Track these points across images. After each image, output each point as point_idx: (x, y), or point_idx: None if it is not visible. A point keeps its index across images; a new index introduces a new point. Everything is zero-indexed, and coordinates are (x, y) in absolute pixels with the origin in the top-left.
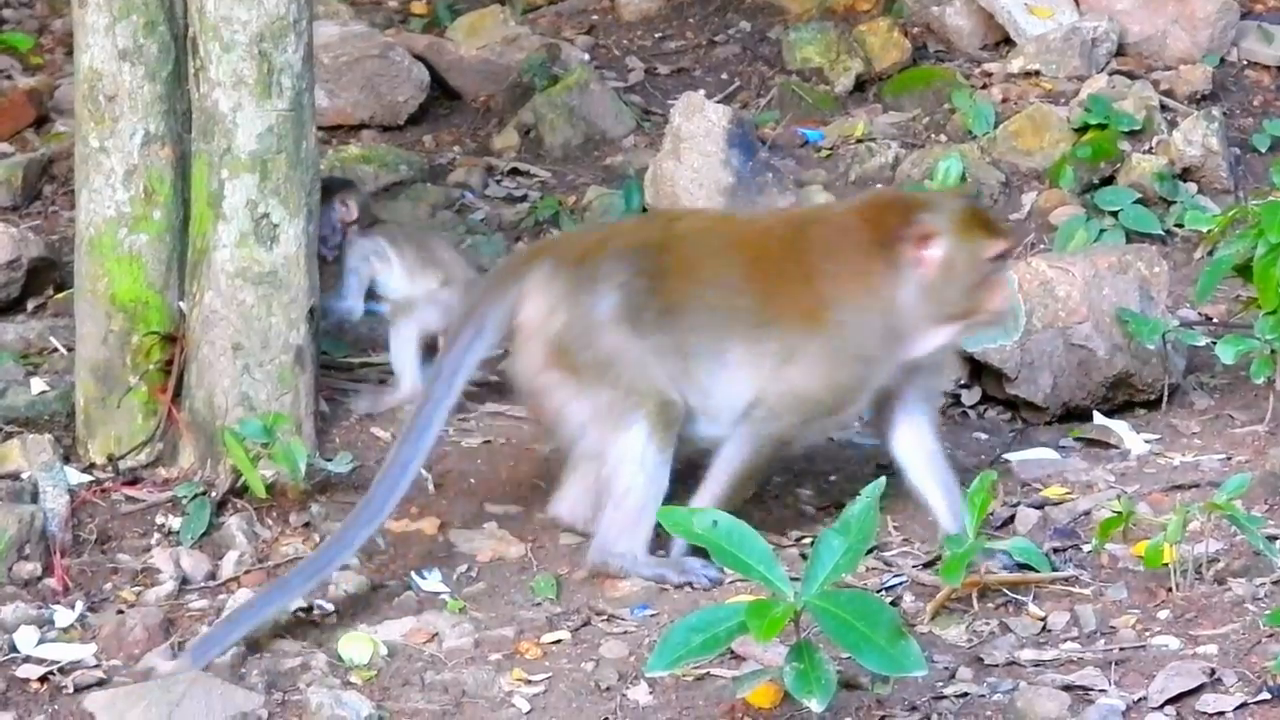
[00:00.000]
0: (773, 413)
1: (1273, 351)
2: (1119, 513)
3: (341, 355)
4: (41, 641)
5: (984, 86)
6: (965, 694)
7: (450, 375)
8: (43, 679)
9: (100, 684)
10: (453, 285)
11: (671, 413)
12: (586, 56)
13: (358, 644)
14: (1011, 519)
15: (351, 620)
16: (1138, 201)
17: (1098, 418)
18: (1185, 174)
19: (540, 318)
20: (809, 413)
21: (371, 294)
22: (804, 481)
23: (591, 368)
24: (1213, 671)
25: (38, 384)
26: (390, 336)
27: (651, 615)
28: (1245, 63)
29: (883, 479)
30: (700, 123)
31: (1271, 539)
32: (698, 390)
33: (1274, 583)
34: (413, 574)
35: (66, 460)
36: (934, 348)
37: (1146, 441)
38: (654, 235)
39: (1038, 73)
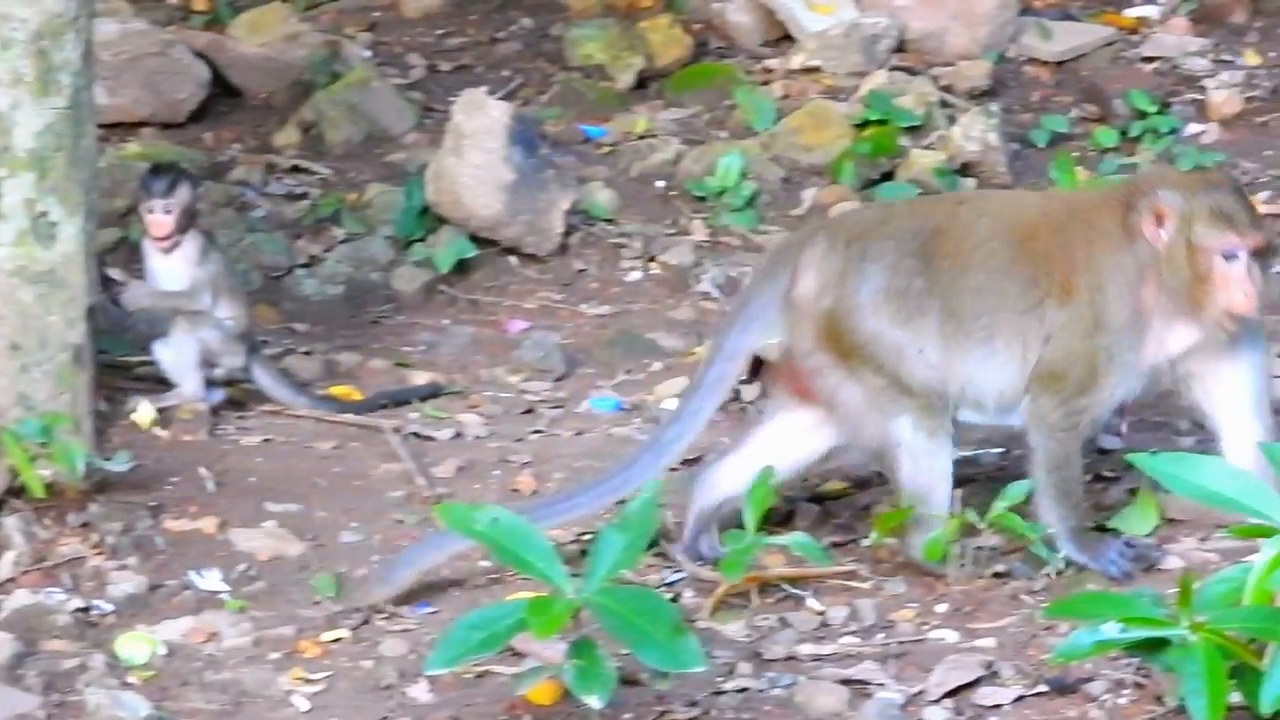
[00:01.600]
0: (1033, 397)
1: None
2: (898, 507)
3: (120, 354)
4: None
5: (765, 83)
6: (744, 689)
7: (726, 358)
8: None
9: None
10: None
11: (935, 402)
12: (368, 53)
13: (136, 644)
14: (791, 514)
15: (130, 620)
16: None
17: None
18: (965, 169)
19: (811, 296)
20: (1062, 392)
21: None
22: (584, 477)
23: (857, 351)
24: (990, 664)
25: None
26: (171, 341)
27: (432, 613)
28: (1024, 58)
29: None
30: (482, 120)
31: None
32: (962, 377)
33: (1050, 576)
34: (191, 573)
35: None
36: (1185, 346)
37: None
38: (930, 216)
39: (818, 69)
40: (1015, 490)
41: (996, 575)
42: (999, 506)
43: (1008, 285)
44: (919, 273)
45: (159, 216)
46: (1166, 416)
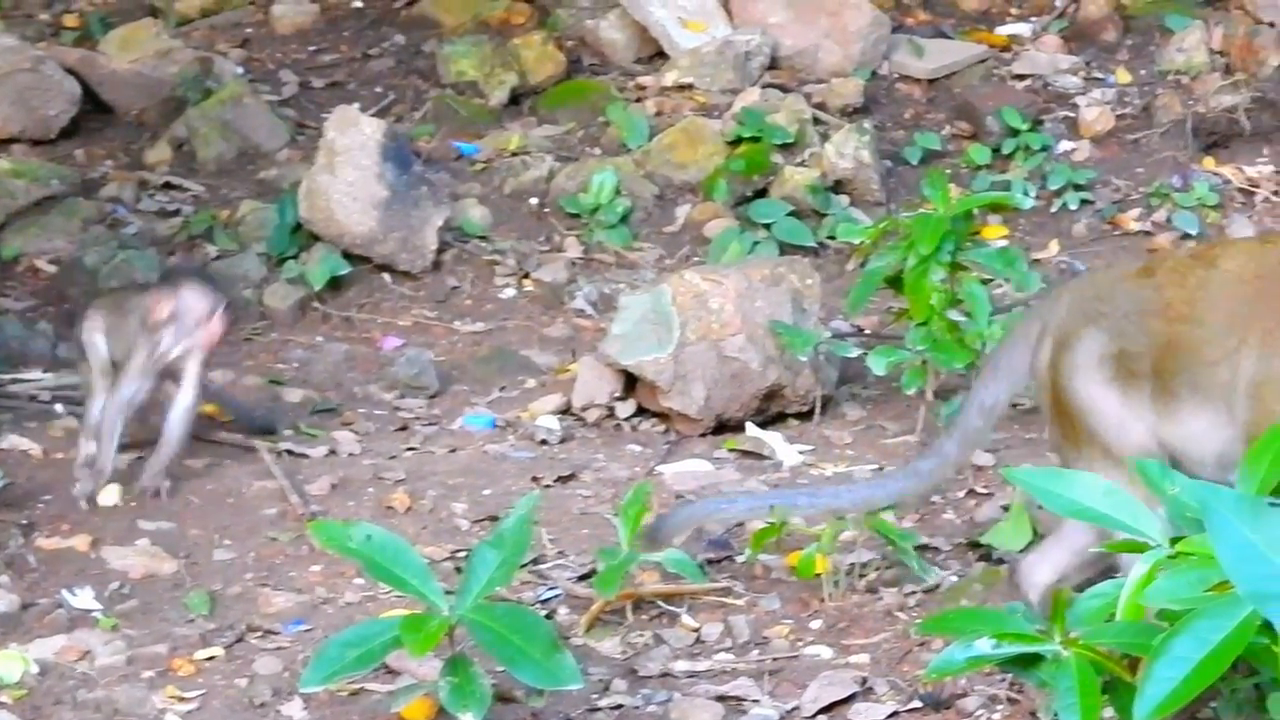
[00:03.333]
0: None
1: (924, 362)
2: (772, 523)
3: None
4: None
5: (639, 100)
6: (620, 705)
7: (983, 410)
8: None
9: None
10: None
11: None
12: (241, 70)
13: (8, 662)
14: None
15: (2, 639)
16: (791, 214)
17: (751, 429)
18: (838, 186)
19: (1045, 361)
20: None
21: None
22: (459, 495)
23: (1077, 419)
24: (864, 680)
25: None
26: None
27: (306, 630)
28: (897, 76)
29: (537, 492)
30: (354, 136)
31: (922, 549)
32: (1182, 435)
33: (924, 591)
34: (64, 591)
35: None
36: None
37: (800, 452)
38: (1157, 275)
39: (692, 86)
40: None
41: (871, 591)
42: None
43: (1228, 341)
44: (1144, 331)
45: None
46: (1038, 432)
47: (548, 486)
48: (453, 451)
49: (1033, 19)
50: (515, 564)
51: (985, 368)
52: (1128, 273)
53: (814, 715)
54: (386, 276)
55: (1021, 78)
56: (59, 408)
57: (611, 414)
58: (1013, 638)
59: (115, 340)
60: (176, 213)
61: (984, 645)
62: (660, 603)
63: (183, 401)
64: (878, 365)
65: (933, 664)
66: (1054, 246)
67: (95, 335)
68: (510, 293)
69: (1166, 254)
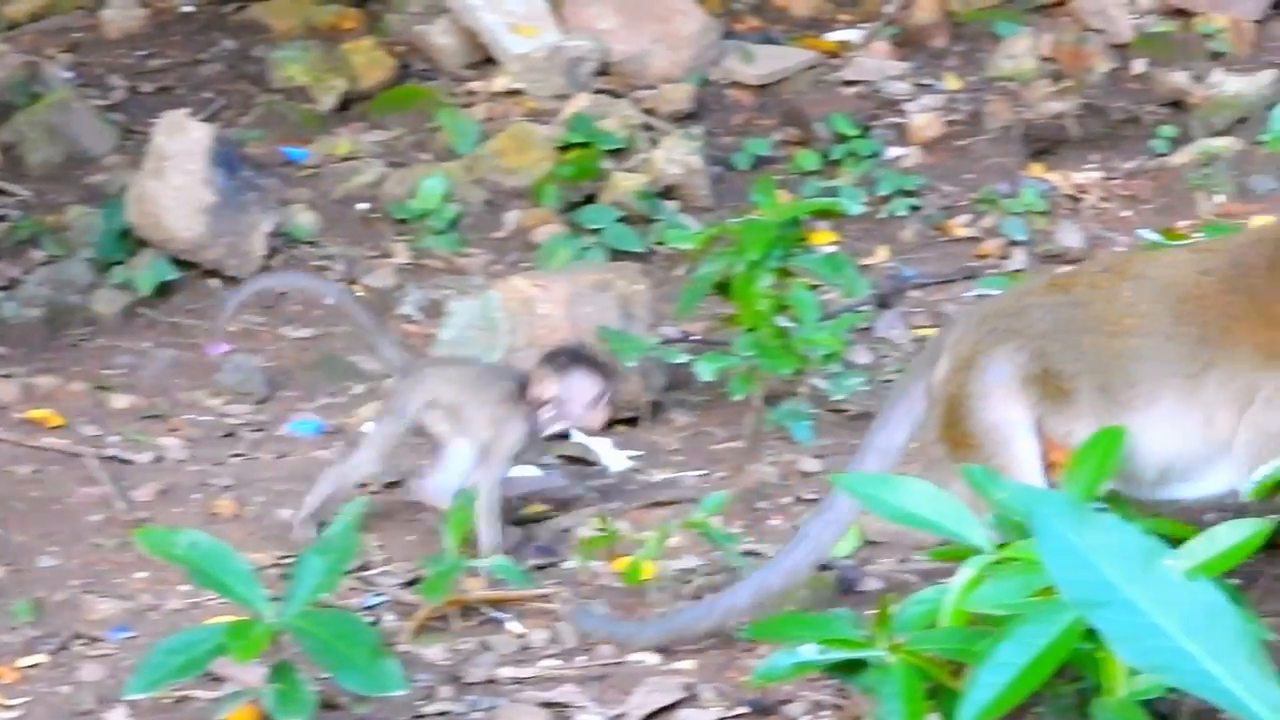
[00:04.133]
0: (1244, 464)
1: (752, 368)
2: (600, 530)
3: None
4: None
5: (468, 105)
6: (445, 712)
7: (880, 453)
8: None
9: None
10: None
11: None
12: (69, 74)
13: None
14: None
15: None
16: (620, 219)
17: (579, 435)
18: (667, 192)
19: (940, 382)
20: None
21: None
22: (286, 501)
23: (969, 441)
24: (690, 686)
25: None
26: None
27: (131, 637)
28: (727, 82)
29: (363, 499)
30: (183, 141)
31: (749, 555)
32: (1126, 450)
33: None
34: None
35: None
36: None
37: (629, 458)
38: (1074, 289)
39: (522, 91)
40: (712, 501)
41: (697, 597)
42: (697, 515)
43: (1169, 349)
44: (1067, 350)
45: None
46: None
47: (375, 493)
48: (280, 458)
49: (863, 25)
50: (341, 570)
51: (883, 409)
52: (1034, 291)
53: None
54: (214, 282)
55: (851, 84)
56: None
57: None
58: (838, 643)
59: (445, 412)
60: (3, 218)
61: (809, 651)
62: (487, 609)
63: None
64: (706, 371)
65: (758, 670)
66: (882, 252)
67: (413, 401)
68: None
69: (1073, 271)
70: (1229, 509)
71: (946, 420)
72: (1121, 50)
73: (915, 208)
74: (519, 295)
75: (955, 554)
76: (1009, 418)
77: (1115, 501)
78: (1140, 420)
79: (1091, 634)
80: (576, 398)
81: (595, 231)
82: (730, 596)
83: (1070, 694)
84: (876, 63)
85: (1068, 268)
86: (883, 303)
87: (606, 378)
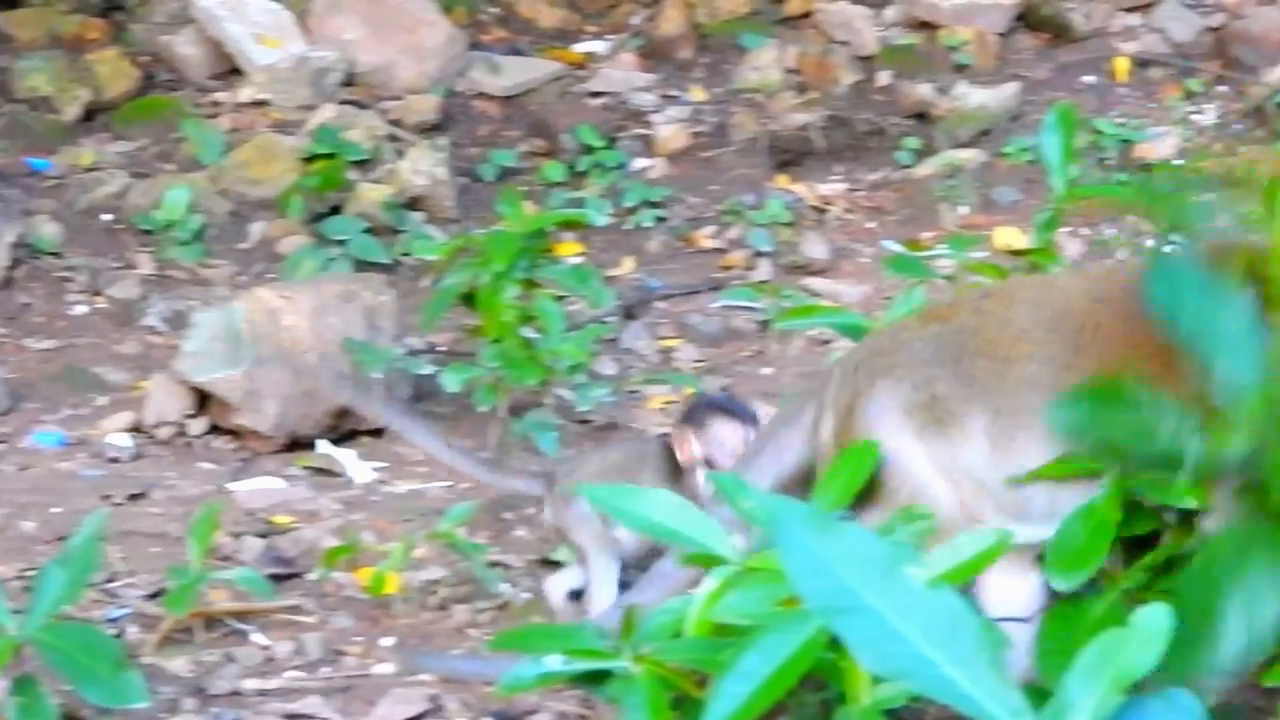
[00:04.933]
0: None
1: (497, 379)
2: (344, 541)
3: None
4: None
5: (214, 116)
6: None
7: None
8: None
9: None
10: None
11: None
12: None
13: None
14: (237, 549)
15: None
16: (366, 231)
17: (323, 446)
18: (413, 203)
19: (826, 441)
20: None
21: None
22: (28, 513)
23: (876, 478)
24: (435, 697)
25: None
26: None
27: None
28: (473, 93)
29: (106, 510)
30: None
31: (494, 565)
32: (1020, 466)
33: (496, 608)
34: None
35: None
36: None
37: (374, 470)
38: (955, 318)
39: (267, 102)
40: (458, 512)
41: (443, 608)
42: (442, 526)
43: (1064, 378)
44: (953, 383)
45: None
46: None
47: (118, 504)
48: (22, 470)
49: (609, 37)
50: (84, 582)
51: (746, 457)
52: (908, 326)
53: None
54: None
55: (597, 95)
56: None
57: (183, 431)
58: (583, 654)
59: None
60: None
61: (554, 661)
62: (231, 621)
63: None
64: (451, 382)
65: (503, 680)
66: (628, 263)
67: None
68: (82, 310)
69: (948, 302)
70: None
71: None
72: (866, 62)
73: (661, 219)
74: (264, 307)
75: (703, 562)
76: (902, 449)
77: None
78: (1036, 450)
79: (835, 642)
80: (724, 448)
81: (341, 243)
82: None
83: (814, 703)
84: (623, 74)
85: (936, 300)
86: (628, 314)
87: (745, 420)
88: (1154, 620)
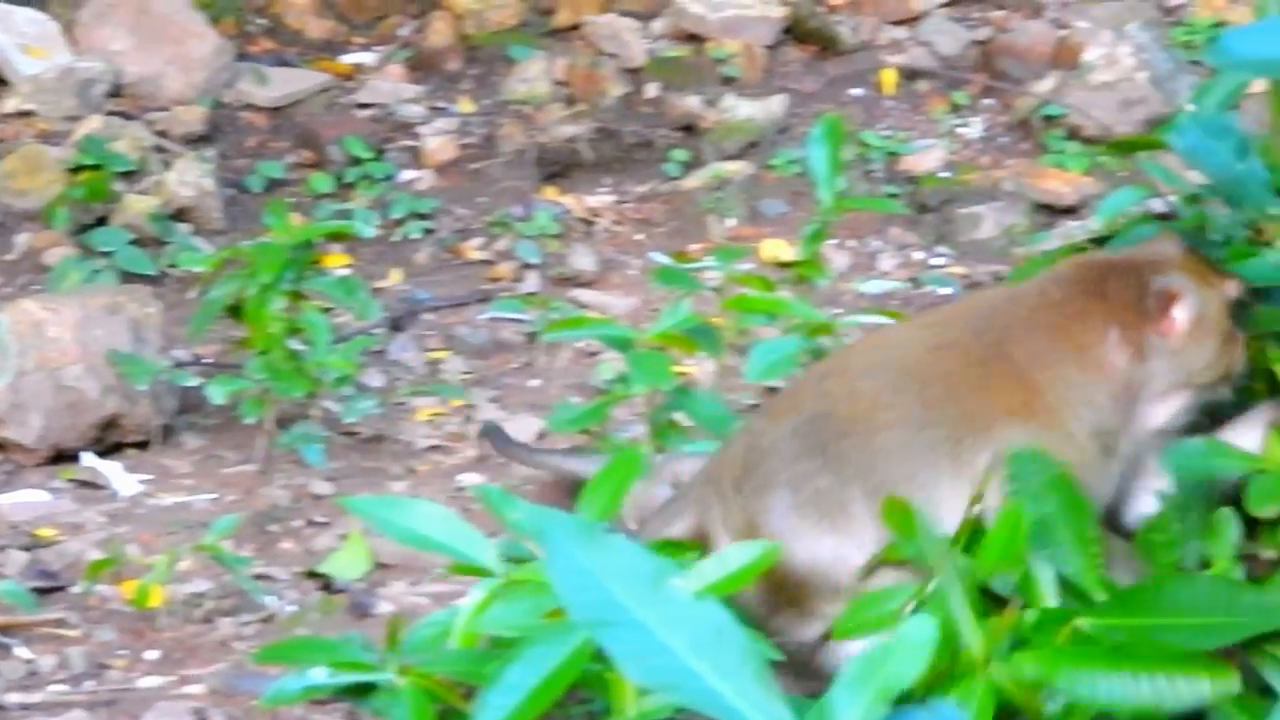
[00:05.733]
0: None
1: (264, 391)
2: (109, 554)
3: None
4: None
5: None
6: None
7: None
8: None
9: None
10: None
11: None
12: None
13: None
14: (1, 562)
15: None
16: (132, 242)
17: (88, 459)
18: (180, 214)
19: None
20: None
21: None
22: None
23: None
24: (201, 710)
25: None
26: None
27: None
28: (241, 104)
29: None
30: None
31: (260, 578)
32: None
33: (262, 621)
34: None
35: None
36: (1169, 415)
37: (140, 482)
38: (804, 407)
39: (33, 113)
40: (223, 524)
41: (207, 620)
42: (208, 538)
43: (930, 434)
44: (821, 470)
45: None
46: (377, 461)
47: None
48: None
49: (377, 48)
50: None
51: None
52: (761, 432)
53: None
54: None
55: (365, 107)
56: None
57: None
58: (348, 666)
59: None
60: None
61: (320, 674)
62: None
63: None
64: (218, 394)
65: (268, 693)
66: (396, 275)
67: None
68: None
69: (787, 393)
70: None
71: (775, 593)
72: (634, 74)
73: (429, 231)
74: (29, 319)
75: (467, 572)
76: (811, 552)
77: None
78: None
79: (602, 655)
80: None
81: (107, 254)
82: None
83: (580, 715)
84: (391, 85)
85: (770, 397)
86: (396, 326)
87: None
88: (919, 632)
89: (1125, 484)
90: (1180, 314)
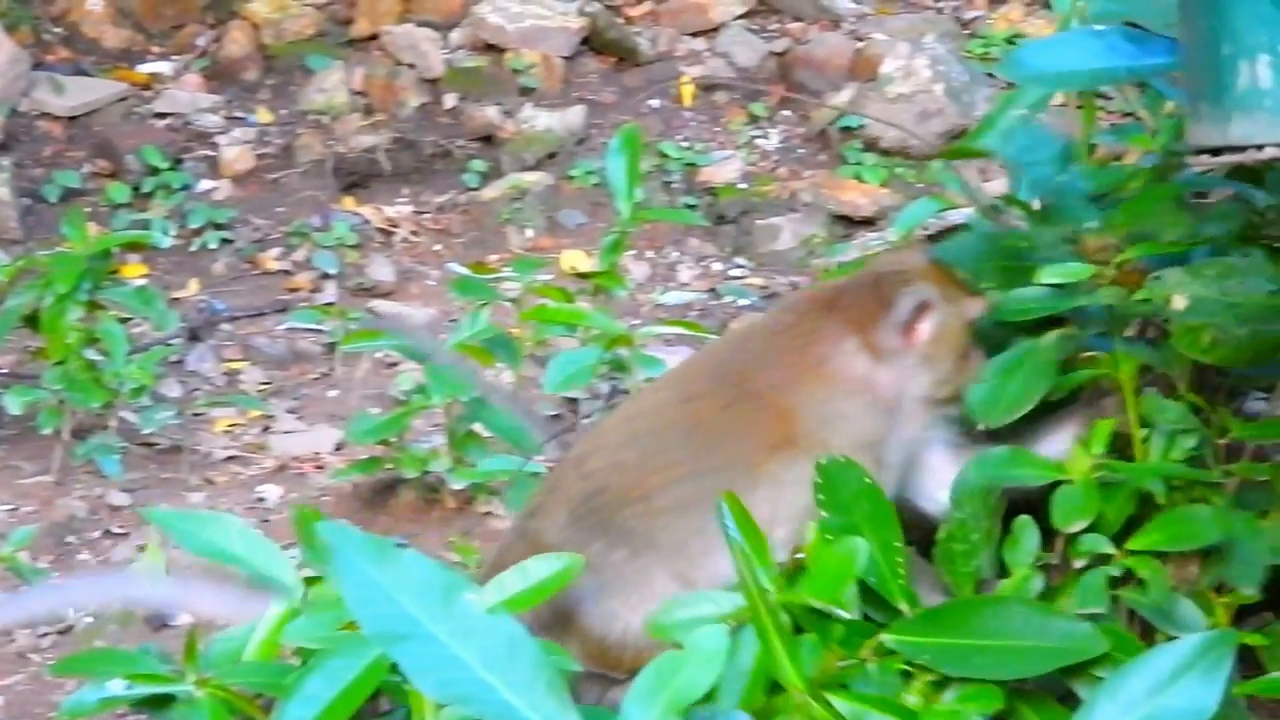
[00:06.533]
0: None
1: (61, 402)
2: None
3: None
4: None
5: None
6: None
7: None
8: None
9: None
10: None
11: None
12: None
13: None
14: None
15: None
16: None
17: None
18: None
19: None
20: None
21: None
22: None
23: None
24: None
25: None
26: None
27: None
28: (37, 113)
29: None
30: None
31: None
32: (708, 575)
33: (59, 633)
34: None
35: None
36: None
37: None
38: (574, 489)
39: None
40: (20, 536)
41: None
42: (4, 550)
43: (703, 484)
44: (614, 546)
45: None
46: (175, 472)
47: None
48: None
49: (174, 58)
50: None
51: None
52: (540, 528)
53: None
54: None
55: (163, 116)
56: None
57: None
58: (145, 678)
59: None
60: None
61: (117, 686)
62: None
63: None
64: (14, 404)
65: (65, 706)
66: (194, 285)
67: None
68: None
69: (551, 485)
70: None
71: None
72: (433, 85)
73: (227, 241)
74: None
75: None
76: (629, 623)
77: None
78: (713, 563)
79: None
80: None
81: None
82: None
83: None
84: (188, 95)
85: (536, 492)
86: (194, 336)
87: None
88: (710, 641)
89: (910, 490)
90: (924, 325)
